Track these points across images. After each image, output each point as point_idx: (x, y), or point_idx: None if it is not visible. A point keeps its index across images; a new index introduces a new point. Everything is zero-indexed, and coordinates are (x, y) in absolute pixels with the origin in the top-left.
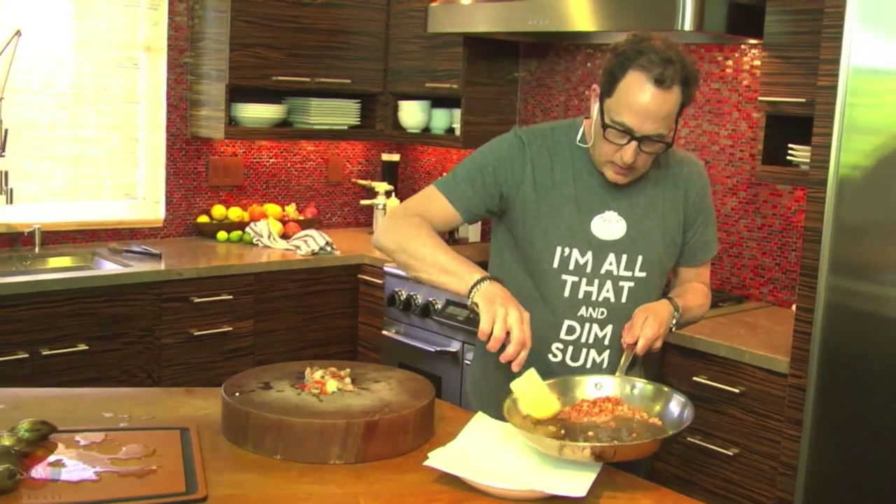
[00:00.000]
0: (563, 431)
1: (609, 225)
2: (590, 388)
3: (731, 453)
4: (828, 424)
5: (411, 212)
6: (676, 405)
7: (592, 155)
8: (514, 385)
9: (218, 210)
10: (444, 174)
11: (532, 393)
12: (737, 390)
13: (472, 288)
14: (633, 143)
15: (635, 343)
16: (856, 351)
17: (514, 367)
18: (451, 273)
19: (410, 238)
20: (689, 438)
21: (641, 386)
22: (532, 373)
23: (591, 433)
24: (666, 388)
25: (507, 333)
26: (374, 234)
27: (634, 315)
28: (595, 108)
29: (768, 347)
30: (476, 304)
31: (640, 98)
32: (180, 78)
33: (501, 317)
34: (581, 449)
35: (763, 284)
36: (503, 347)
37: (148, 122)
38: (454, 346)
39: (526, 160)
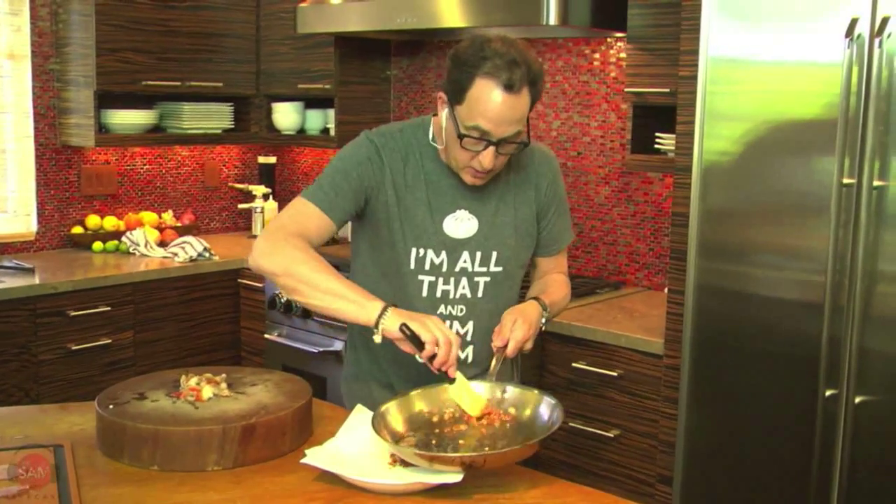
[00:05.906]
0: (434, 442)
1: (461, 224)
2: None
3: (612, 435)
4: (702, 401)
5: (289, 231)
6: (546, 408)
7: (446, 160)
8: (451, 390)
9: (92, 220)
10: (309, 186)
11: (463, 393)
12: (615, 374)
13: (380, 317)
14: (491, 148)
15: (505, 346)
16: (725, 328)
17: (452, 373)
18: (349, 300)
19: (298, 262)
20: (570, 423)
21: (511, 389)
22: (460, 377)
23: (461, 442)
24: (535, 391)
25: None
26: (251, 255)
27: (503, 318)
28: (443, 115)
29: (644, 330)
30: (402, 329)
31: (493, 105)
32: (47, 85)
33: (435, 329)
34: (451, 460)
35: (638, 270)
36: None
37: (15, 132)
38: (337, 346)
39: (384, 163)
